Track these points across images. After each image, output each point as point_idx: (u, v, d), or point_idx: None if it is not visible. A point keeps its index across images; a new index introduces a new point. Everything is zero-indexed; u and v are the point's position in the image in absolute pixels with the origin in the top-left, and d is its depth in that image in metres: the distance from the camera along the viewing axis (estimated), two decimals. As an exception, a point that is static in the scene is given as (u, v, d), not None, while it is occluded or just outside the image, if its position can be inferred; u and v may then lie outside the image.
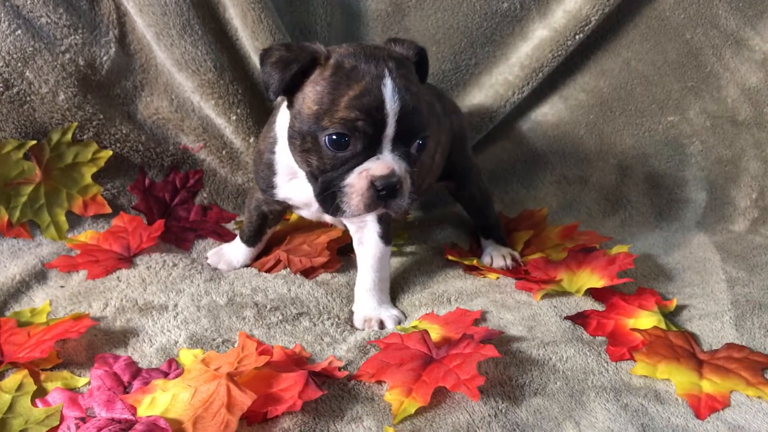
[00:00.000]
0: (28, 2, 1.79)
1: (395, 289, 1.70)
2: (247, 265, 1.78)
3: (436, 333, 1.49)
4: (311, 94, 1.35)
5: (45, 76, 1.81)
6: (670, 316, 1.58)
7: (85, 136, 1.88)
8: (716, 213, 2.08)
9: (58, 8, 1.82)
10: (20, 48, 1.78)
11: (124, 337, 1.47)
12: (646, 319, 1.54)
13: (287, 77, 1.35)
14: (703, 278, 1.75)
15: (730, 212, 2.08)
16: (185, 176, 2.02)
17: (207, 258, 1.80)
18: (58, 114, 1.84)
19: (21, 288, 1.64)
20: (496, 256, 1.84)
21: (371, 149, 1.34)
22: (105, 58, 1.89)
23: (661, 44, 2.15)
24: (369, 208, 1.36)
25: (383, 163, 1.34)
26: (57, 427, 1.22)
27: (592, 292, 1.63)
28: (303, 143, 1.37)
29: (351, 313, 1.62)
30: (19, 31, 1.78)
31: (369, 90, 1.31)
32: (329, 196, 1.36)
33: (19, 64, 1.79)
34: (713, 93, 2.15)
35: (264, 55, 1.38)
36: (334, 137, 1.32)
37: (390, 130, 1.33)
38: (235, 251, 1.79)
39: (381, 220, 1.61)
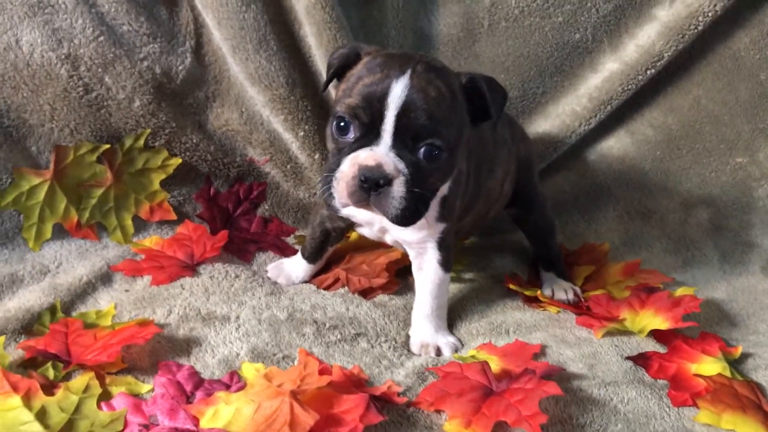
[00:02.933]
0: (113, 10, 1.84)
1: (453, 316, 1.69)
2: (306, 281, 1.80)
3: (495, 364, 1.48)
4: (341, 85, 1.41)
5: (123, 83, 1.85)
6: (735, 363, 1.54)
7: (156, 143, 1.92)
8: (782, 259, 2.04)
9: (140, 17, 1.87)
10: (101, 54, 1.83)
11: (187, 345, 1.49)
12: (710, 365, 1.51)
13: (331, 69, 1.44)
14: (769, 327, 1.71)
15: (798, 259, 2.04)
16: (249, 187, 2.04)
17: (267, 271, 1.81)
18: (132, 120, 1.89)
19: (87, 289, 1.67)
20: (558, 289, 1.82)
21: (369, 139, 1.34)
22: (180, 67, 1.92)
23: (733, 84, 2.12)
24: (352, 197, 1.35)
25: (372, 155, 1.33)
26: (121, 431, 1.25)
27: (654, 334, 1.61)
28: (328, 127, 1.41)
29: (408, 337, 1.61)
30: (102, 38, 1.82)
31: (379, 81, 1.33)
32: (327, 180, 1.37)
33: (100, 70, 1.83)
34: (785, 136, 2.12)
35: (332, 52, 1.50)
36: (337, 121, 1.36)
37: (388, 123, 1.32)
38: (296, 266, 1.80)
39: (441, 246, 1.60)
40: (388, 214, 1.35)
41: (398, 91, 1.32)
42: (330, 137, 1.41)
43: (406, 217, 1.36)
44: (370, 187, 1.33)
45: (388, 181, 1.32)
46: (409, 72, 1.34)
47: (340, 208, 1.46)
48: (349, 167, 1.34)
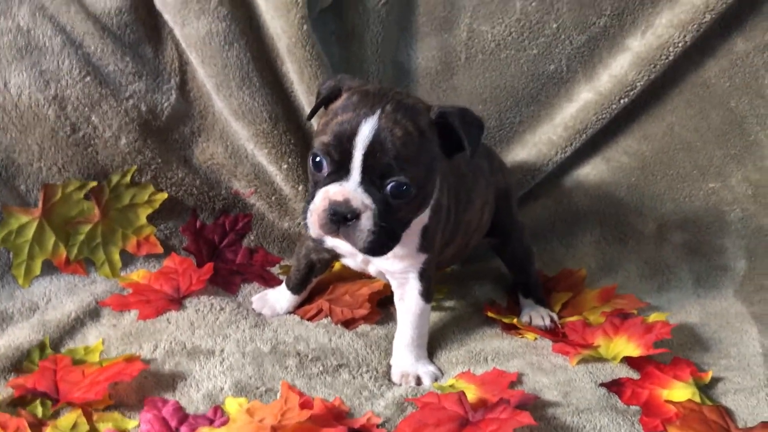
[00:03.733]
0: (99, 50, 1.89)
1: (433, 344, 1.74)
2: (290, 312, 1.84)
3: (472, 393, 1.52)
4: (322, 117, 1.49)
5: (109, 121, 1.90)
6: (705, 388, 1.59)
7: (143, 179, 1.96)
8: (755, 282, 2.08)
9: (126, 56, 1.92)
10: (88, 94, 1.88)
11: (173, 380, 1.53)
12: (680, 391, 1.55)
13: (315, 104, 1.53)
14: (740, 351, 1.75)
15: (770, 282, 2.09)
16: (234, 219, 2.09)
17: (252, 303, 1.86)
18: (119, 157, 1.93)
19: (76, 325, 1.72)
20: (535, 316, 1.87)
21: (340, 175, 1.41)
22: (166, 104, 1.97)
23: (705, 111, 2.17)
24: (323, 229, 1.43)
25: (341, 190, 1.40)
26: (108, 468, 1.29)
27: (628, 360, 1.65)
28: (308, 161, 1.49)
29: (389, 366, 1.66)
30: (88, 78, 1.88)
31: (350, 120, 1.40)
32: (304, 211, 1.46)
33: (86, 109, 1.88)
34: (756, 162, 2.17)
35: (321, 83, 1.61)
36: (313, 157, 1.44)
37: (356, 161, 1.39)
38: (280, 298, 1.85)
39: (422, 277, 1.65)
40: (357, 245, 1.43)
41: (366, 131, 1.38)
42: (309, 171, 1.49)
43: (374, 249, 1.44)
44: (339, 220, 1.40)
45: (356, 215, 1.40)
46: (378, 112, 1.40)
47: (316, 237, 1.52)
48: (320, 201, 1.42)
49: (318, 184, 1.44)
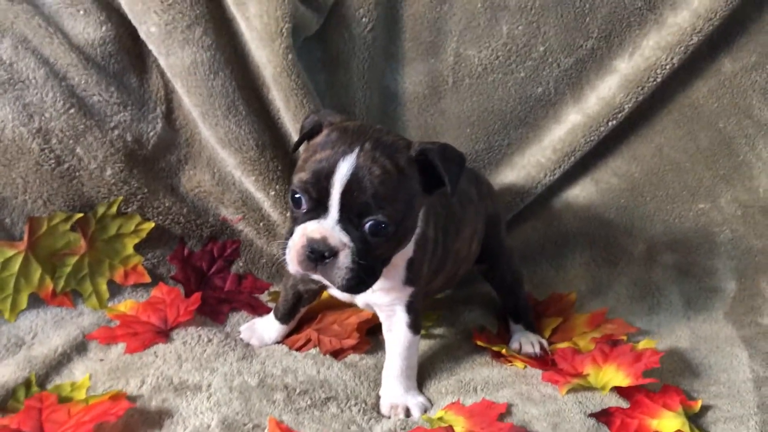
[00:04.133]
0: (83, 81, 1.88)
1: (422, 374, 1.73)
2: (278, 342, 1.83)
3: (461, 426, 1.52)
4: (303, 153, 1.50)
5: (94, 152, 1.89)
6: (695, 417, 1.59)
7: (129, 209, 1.95)
8: (745, 304, 2.08)
9: (110, 87, 1.91)
10: (72, 126, 1.87)
11: (159, 418, 1.52)
12: (669, 421, 1.55)
13: (298, 139, 1.54)
14: (730, 377, 1.75)
15: (759, 304, 2.07)
16: (223, 246, 2.08)
17: (240, 332, 1.85)
18: (104, 188, 1.92)
19: (62, 360, 1.70)
20: (525, 343, 1.86)
21: (318, 212, 1.41)
22: (152, 133, 1.97)
23: (693, 132, 2.18)
24: (301, 266, 1.43)
25: (319, 228, 1.40)
26: None
27: (618, 389, 1.65)
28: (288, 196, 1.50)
29: (378, 397, 1.65)
30: (73, 110, 1.87)
31: (328, 159, 1.40)
32: (283, 246, 1.46)
33: (71, 141, 1.87)
34: (745, 182, 2.17)
35: (306, 116, 1.62)
36: (292, 193, 1.45)
37: (334, 200, 1.39)
38: (268, 327, 1.84)
39: (410, 309, 1.65)
40: (335, 283, 1.43)
41: (344, 169, 1.38)
42: (289, 207, 1.50)
43: (351, 287, 1.43)
44: (317, 257, 1.40)
45: (334, 253, 1.40)
46: (357, 150, 1.40)
47: (294, 273, 1.51)
48: (299, 237, 1.42)
49: (297, 221, 1.44)
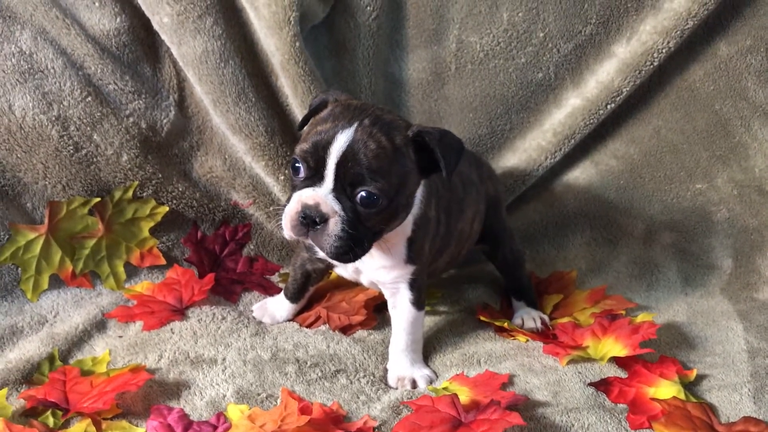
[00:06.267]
0: (99, 71, 1.96)
1: (428, 348, 1.80)
2: (289, 320, 1.90)
3: (465, 395, 1.58)
4: (307, 127, 1.57)
5: (110, 139, 1.97)
6: (690, 385, 1.65)
7: (144, 194, 2.03)
8: (741, 281, 2.14)
9: (125, 75, 1.98)
10: (90, 113, 1.94)
11: (177, 389, 1.59)
12: (666, 389, 1.61)
13: (305, 115, 1.61)
14: (725, 348, 1.81)
15: (755, 280, 2.13)
16: (234, 229, 2.15)
17: (252, 311, 1.92)
18: (120, 174, 2.00)
19: (83, 337, 1.78)
20: (527, 319, 1.92)
21: (314, 181, 1.48)
22: (165, 120, 2.04)
23: (690, 114, 2.23)
24: (294, 230, 1.49)
25: (313, 195, 1.47)
26: (117, 474, 1.36)
27: (616, 359, 1.71)
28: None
29: (385, 371, 1.72)
30: (90, 98, 1.94)
31: (328, 131, 1.47)
32: (279, 213, 1.53)
33: (88, 128, 1.95)
34: (741, 162, 2.22)
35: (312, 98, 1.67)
36: (292, 162, 1.52)
37: (330, 169, 1.45)
38: (279, 306, 1.91)
39: (413, 286, 1.71)
40: (324, 249, 1.50)
41: (341, 142, 1.45)
42: (289, 176, 1.56)
43: (339, 255, 1.50)
44: (309, 223, 1.47)
45: (325, 220, 1.46)
46: (355, 125, 1.46)
47: (288, 238, 1.57)
48: (294, 203, 1.49)
49: (295, 188, 1.52)
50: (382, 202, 1.48)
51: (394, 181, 1.48)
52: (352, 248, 1.49)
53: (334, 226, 1.46)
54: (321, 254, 1.67)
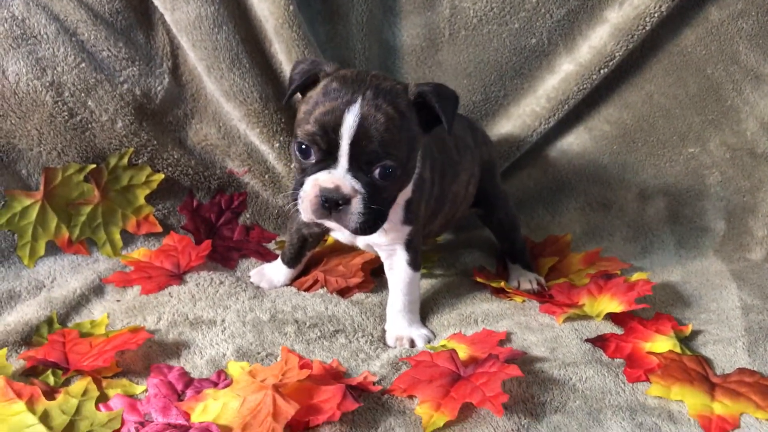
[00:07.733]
0: (92, 37, 1.95)
1: (425, 309, 1.81)
2: (287, 284, 1.91)
3: (463, 352, 1.60)
4: (302, 105, 1.53)
5: (105, 105, 1.96)
6: (686, 340, 1.67)
7: (139, 161, 2.03)
8: (734, 242, 2.16)
9: (118, 42, 1.98)
10: (84, 80, 1.94)
11: (177, 348, 1.60)
12: (662, 343, 1.63)
13: (293, 85, 1.56)
14: (719, 305, 1.83)
15: (748, 241, 2.16)
16: (230, 198, 2.15)
17: (250, 277, 1.93)
18: (116, 140, 1.99)
19: (81, 301, 1.78)
20: (523, 281, 1.94)
21: (328, 162, 1.47)
22: (159, 88, 2.03)
23: (682, 79, 2.24)
24: (315, 214, 1.49)
25: (331, 177, 1.46)
26: (119, 429, 1.36)
27: (612, 317, 1.73)
28: (292, 147, 1.55)
29: (384, 331, 1.73)
30: (83, 64, 1.93)
31: (334, 110, 1.45)
32: (294, 197, 1.52)
33: (83, 95, 1.94)
34: (733, 126, 2.23)
35: (293, 66, 1.61)
36: (299, 145, 1.50)
37: (344, 150, 1.45)
38: (276, 271, 1.92)
39: (409, 247, 1.72)
40: (349, 227, 1.50)
41: (350, 121, 1.43)
42: (294, 157, 1.54)
43: (365, 230, 1.50)
44: (331, 206, 1.47)
45: (347, 201, 1.46)
46: (359, 100, 1.45)
47: (308, 222, 1.58)
48: (311, 188, 1.47)
49: (306, 172, 1.50)
50: (399, 172, 1.49)
51: (405, 148, 1.49)
52: (375, 221, 1.50)
53: (357, 204, 1.47)
54: (338, 233, 1.69)
